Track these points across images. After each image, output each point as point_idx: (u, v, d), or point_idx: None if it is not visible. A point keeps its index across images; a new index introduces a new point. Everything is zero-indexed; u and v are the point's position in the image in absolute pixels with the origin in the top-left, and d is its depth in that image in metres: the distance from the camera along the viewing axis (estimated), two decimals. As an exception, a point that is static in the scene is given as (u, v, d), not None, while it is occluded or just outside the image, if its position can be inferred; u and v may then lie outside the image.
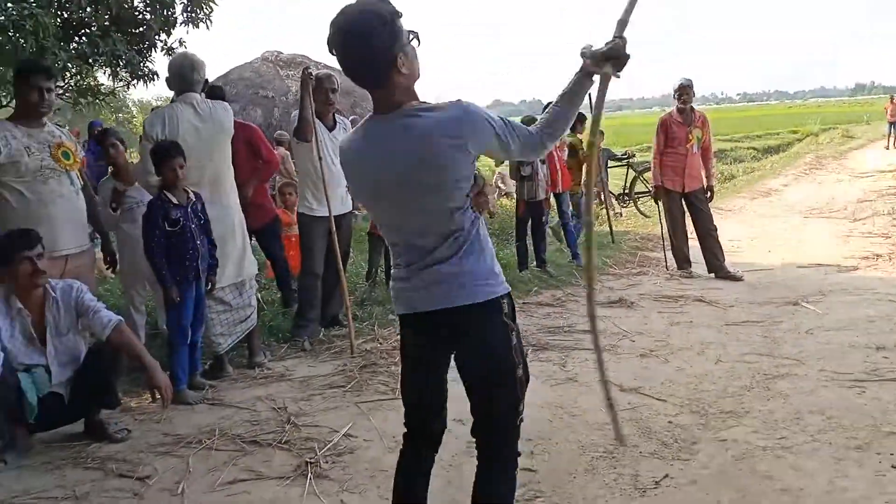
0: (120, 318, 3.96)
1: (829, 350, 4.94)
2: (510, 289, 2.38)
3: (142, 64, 10.29)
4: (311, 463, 3.55)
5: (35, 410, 3.75)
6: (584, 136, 8.37)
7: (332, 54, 2.18)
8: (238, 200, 5.04)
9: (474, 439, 2.43)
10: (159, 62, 12.06)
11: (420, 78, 2.25)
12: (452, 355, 2.41)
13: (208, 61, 4.99)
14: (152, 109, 8.39)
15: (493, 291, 2.30)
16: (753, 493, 3.14)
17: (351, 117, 6.13)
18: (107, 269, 5.25)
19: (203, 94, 4.96)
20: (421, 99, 2.26)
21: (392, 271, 2.45)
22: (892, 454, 3.39)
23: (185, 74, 4.81)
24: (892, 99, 24.21)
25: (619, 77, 2.35)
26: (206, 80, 5.18)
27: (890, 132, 23.20)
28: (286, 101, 15.02)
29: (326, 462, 3.58)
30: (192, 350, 4.65)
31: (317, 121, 5.49)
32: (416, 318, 2.38)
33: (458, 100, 2.20)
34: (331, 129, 5.70)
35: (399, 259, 2.39)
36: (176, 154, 4.44)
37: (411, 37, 2.19)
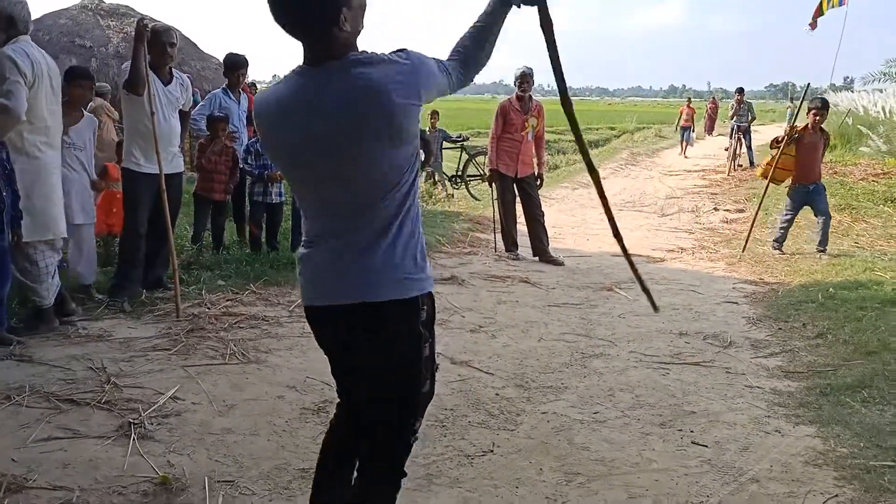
0: None
1: (639, 334, 5.33)
2: (432, 288, 2.13)
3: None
4: (134, 423, 3.41)
5: None
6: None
7: None
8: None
9: (350, 441, 2.28)
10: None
11: (362, 31, 2.04)
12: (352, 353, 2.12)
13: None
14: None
15: (413, 288, 2.03)
16: (571, 463, 3.35)
17: (185, 76, 5.86)
18: None
19: None
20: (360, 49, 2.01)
21: (300, 251, 2.15)
22: (691, 431, 3.72)
23: (14, 15, 4.35)
24: (688, 102, 22.80)
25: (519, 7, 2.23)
26: None
27: (685, 138, 21.64)
28: (105, 52, 14.11)
29: (151, 423, 3.46)
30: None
31: (151, 74, 5.21)
32: (316, 310, 2.13)
33: (404, 48, 2.00)
34: (166, 83, 5.44)
35: (309, 235, 2.11)
36: None
37: None
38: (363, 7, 2.00)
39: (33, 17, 4.55)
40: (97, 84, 10.37)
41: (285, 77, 2.06)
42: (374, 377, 2.10)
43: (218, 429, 3.47)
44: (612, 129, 35.47)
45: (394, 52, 1.99)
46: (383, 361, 2.06)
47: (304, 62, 2.01)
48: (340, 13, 1.90)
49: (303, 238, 2.15)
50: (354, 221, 2.01)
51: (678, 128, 22.94)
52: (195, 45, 16.11)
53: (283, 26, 1.95)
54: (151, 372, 4.10)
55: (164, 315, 5.11)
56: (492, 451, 3.42)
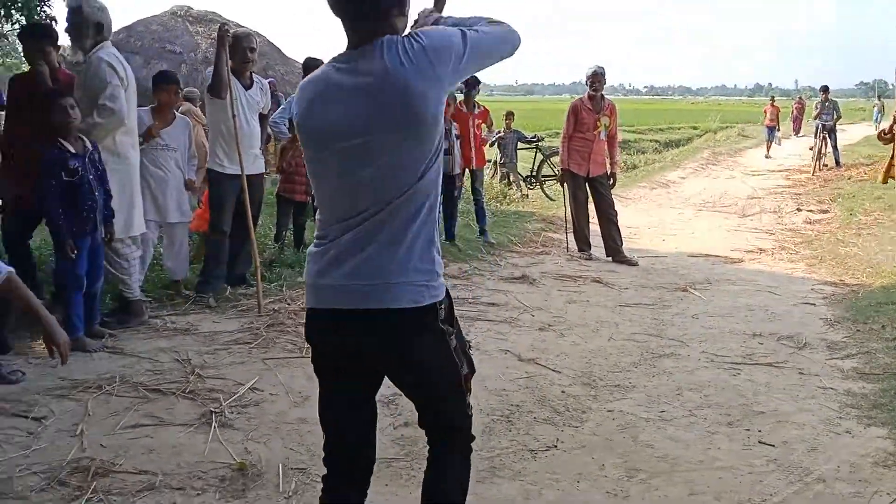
0: (10, 269, 3.81)
1: (711, 334, 5.28)
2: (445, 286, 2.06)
3: (38, 9, 9.79)
4: (215, 412, 3.61)
5: None
6: None
7: None
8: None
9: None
10: (58, 7, 11.49)
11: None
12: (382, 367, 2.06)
13: (111, 11, 4.80)
14: (49, 56, 8.00)
15: (434, 294, 1.97)
16: (634, 459, 3.39)
17: (268, 79, 6.10)
18: None
19: None
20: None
21: (310, 248, 2.06)
22: (759, 430, 3.70)
23: (103, 21, 4.66)
24: (772, 101, 22.41)
25: None
26: None
27: (770, 138, 21.15)
28: (194, 58, 14.67)
29: (231, 412, 3.65)
30: (91, 299, 4.58)
31: (233, 78, 5.45)
32: (331, 315, 1.99)
33: (422, 30, 1.95)
34: (247, 87, 5.68)
35: (323, 231, 2.01)
36: (64, 94, 4.35)
37: None
38: None
39: (127, 24, 4.88)
40: (187, 89, 10.86)
41: (327, 63, 2.01)
42: (412, 387, 2.11)
43: (293, 419, 3.64)
44: (695, 128, 34.74)
45: (413, 33, 1.93)
46: (417, 370, 2.03)
47: (348, 46, 1.96)
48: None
49: (315, 234, 2.07)
50: (373, 217, 1.92)
51: (764, 127, 22.38)
52: (279, 50, 16.58)
53: (346, 6, 1.93)
54: (233, 364, 4.31)
55: (246, 310, 5.34)
56: (555, 446, 3.49)
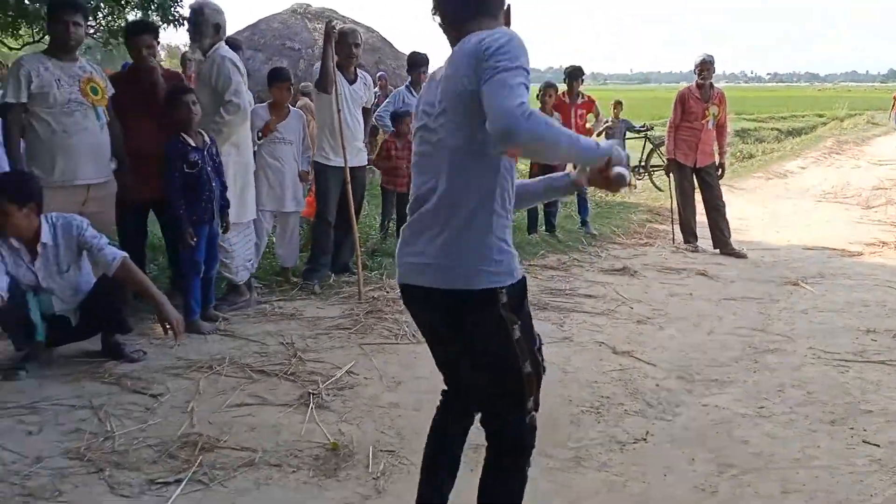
0: (124, 254, 4.03)
1: (821, 330, 5.09)
2: (514, 274, 2.12)
3: (172, 8, 10.41)
4: (313, 394, 3.78)
5: (40, 329, 3.96)
6: None
7: None
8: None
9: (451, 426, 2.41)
10: (187, 7, 12.23)
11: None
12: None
13: (236, 10, 5.14)
14: (183, 54, 8.45)
15: (492, 280, 2.06)
16: (726, 455, 3.32)
17: (379, 73, 6.25)
18: None
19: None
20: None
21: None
22: (864, 430, 3.55)
23: (220, 23, 4.96)
24: None
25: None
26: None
27: None
28: (312, 54, 15.14)
29: (328, 394, 3.80)
30: (207, 285, 4.87)
31: (338, 73, 5.63)
32: (407, 289, 2.20)
33: (505, 32, 2.00)
34: (352, 82, 5.85)
35: (410, 211, 2.19)
36: (188, 91, 4.64)
37: None
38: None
39: (251, 23, 5.20)
40: (303, 84, 11.27)
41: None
42: (467, 361, 2.18)
43: (385, 403, 3.76)
44: (821, 116, 33.08)
45: (498, 32, 1.99)
46: (471, 345, 2.12)
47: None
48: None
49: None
50: (446, 192, 2.05)
51: (891, 116, 20.93)
52: (391, 44, 16.91)
53: (451, 9, 2.15)
54: (332, 348, 4.49)
55: (347, 297, 5.54)
56: (644, 439, 3.46)
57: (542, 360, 2.25)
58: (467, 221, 2.04)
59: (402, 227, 2.22)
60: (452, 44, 2.13)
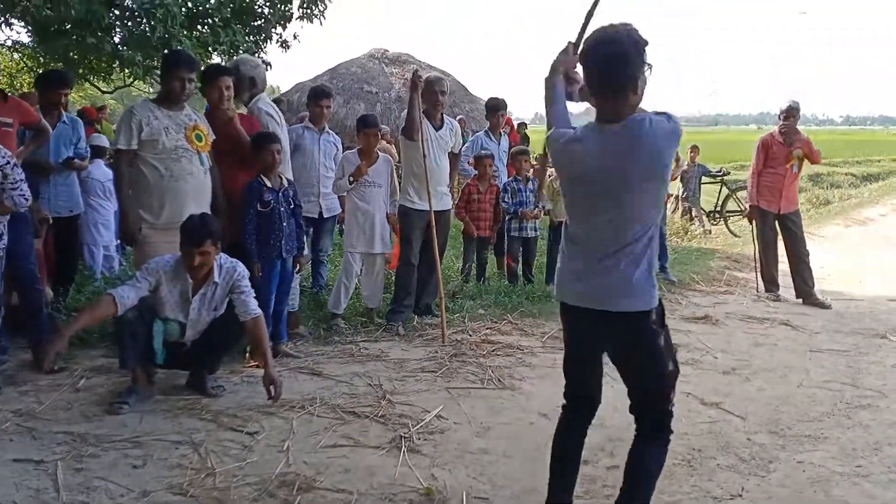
0: (261, 311, 4.34)
1: (916, 386, 4.94)
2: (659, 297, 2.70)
3: (256, 54, 10.92)
4: (405, 437, 3.83)
5: (159, 354, 4.21)
6: None
7: (585, 64, 2.64)
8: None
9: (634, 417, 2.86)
10: (272, 53, 12.87)
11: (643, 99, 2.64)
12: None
13: (318, 56, 5.56)
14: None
15: (651, 303, 2.66)
16: (826, 515, 3.26)
17: (458, 117, 6.40)
18: None
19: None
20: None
21: (563, 260, 2.82)
22: (970, 494, 3.44)
23: (256, 77, 5.31)
24: None
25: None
26: None
27: None
28: (388, 97, 15.52)
29: (419, 438, 3.86)
30: (276, 320, 5.06)
31: (425, 120, 5.79)
32: (580, 310, 2.75)
33: (668, 114, 2.56)
34: (437, 128, 5.99)
35: (576, 249, 2.76)
36: (276, 140, 4.91)
37: (648, 67, 2.58)
38: (645, 82, 2.61)
39: (332, 66, 5.52)
40: (382, 127, 11.58)
41: (583, 128, 2.70)
42: (631, 368, 2.78)
43: (475, 448, 3.80)
44: (896, 160, 32.17)
45: (658, 113, 2.56)
46: (637, 355, 2.74)
47: (597, 118, 2.65)
48: (638, 81, 2.57)
49: (563, 240, 2.84)
50: (615, 240, 2.63)
51: None
52: (466, 88, 17.23)
53: (600, 86, 2.60)
54: (419, 391, 4.55)
55: (431, 339, 5.61)
56: (740, 495, 3.41)
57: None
58: None
59: None
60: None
